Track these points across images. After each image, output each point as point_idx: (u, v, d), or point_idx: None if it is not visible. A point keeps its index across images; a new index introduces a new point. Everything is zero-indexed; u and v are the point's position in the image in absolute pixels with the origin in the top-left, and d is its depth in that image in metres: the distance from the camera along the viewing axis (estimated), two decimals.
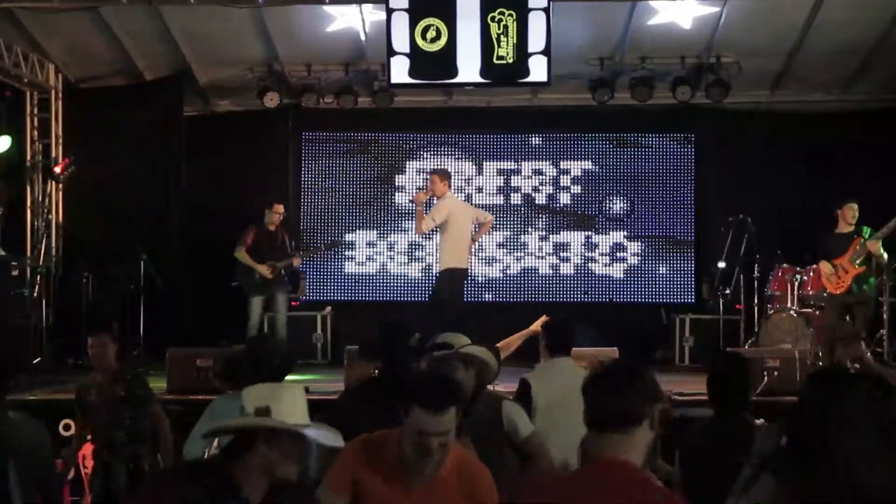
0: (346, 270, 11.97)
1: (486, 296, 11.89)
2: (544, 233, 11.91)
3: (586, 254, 11.87)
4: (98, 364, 6.38)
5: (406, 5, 9.21)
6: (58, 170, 10.78)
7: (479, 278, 11.91)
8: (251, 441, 2.76)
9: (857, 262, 8.81)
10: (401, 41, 9.31)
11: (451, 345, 4.54)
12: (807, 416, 2.95)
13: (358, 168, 12.04)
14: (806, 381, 3.25)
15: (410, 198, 9.50)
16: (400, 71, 9.61)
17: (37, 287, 10.39)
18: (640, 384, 2.53)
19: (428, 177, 9.84)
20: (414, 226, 9.65)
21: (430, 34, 9.39)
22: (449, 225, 9.21)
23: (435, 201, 9.34)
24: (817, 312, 9.55)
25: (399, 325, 5.14)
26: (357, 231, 11.92)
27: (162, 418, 6.33)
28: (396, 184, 12.01)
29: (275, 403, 2.78)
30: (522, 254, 11.91)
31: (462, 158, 12.01)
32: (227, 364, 5.55)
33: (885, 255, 8.82)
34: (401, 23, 9.25)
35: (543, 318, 5.98)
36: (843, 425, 2.83)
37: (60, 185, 11.09)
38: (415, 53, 9.31)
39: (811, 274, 9.49)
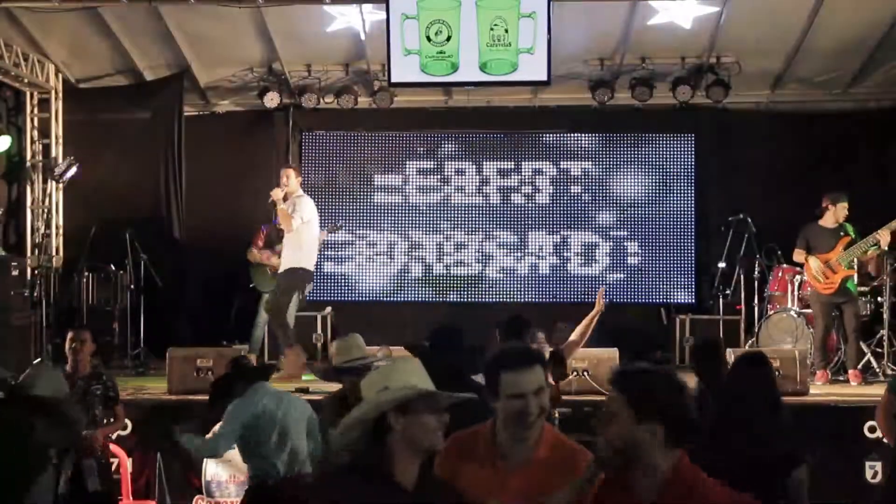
0: (346, 270, 11.97)
1: (486, 296, 11.87)
2: (544, 233, 11.90)
3: (586, 254, 11.86)
4: (73, 359, 6.45)
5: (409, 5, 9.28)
6: (59, 171, 10.77)
7: (480, 278, 11.92)
8: (384, 423, 2.78)
9: (846, 263, 8.81)
10: (405, 39, 9.38)
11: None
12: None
13: (358, 168, 12.04)
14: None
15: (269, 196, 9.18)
16: (401, 70, 9.65)
17: (37, 287, 10.38)
18: None
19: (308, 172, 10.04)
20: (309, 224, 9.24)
21: (434, 32, 9.44)
22: (311, 223, 9.17)
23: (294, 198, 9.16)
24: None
25: (453, 329, 5.52)
26: (357, 231, 11.91)
27: (122, 419, 6.56)
28: (396, 184, 12.01)
29: (390, 381, 2.80)
30: (522, 254, 11.90)
31: (462, 158, 12.01)
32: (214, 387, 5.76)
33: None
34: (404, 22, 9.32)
35: (601, 292, 7.18)
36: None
37: (60, 185, 11.09)
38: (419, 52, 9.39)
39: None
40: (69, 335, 6.60)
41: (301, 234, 9.04)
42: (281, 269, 9.21)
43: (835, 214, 8.90)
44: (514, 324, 6.08)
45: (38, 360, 4.24)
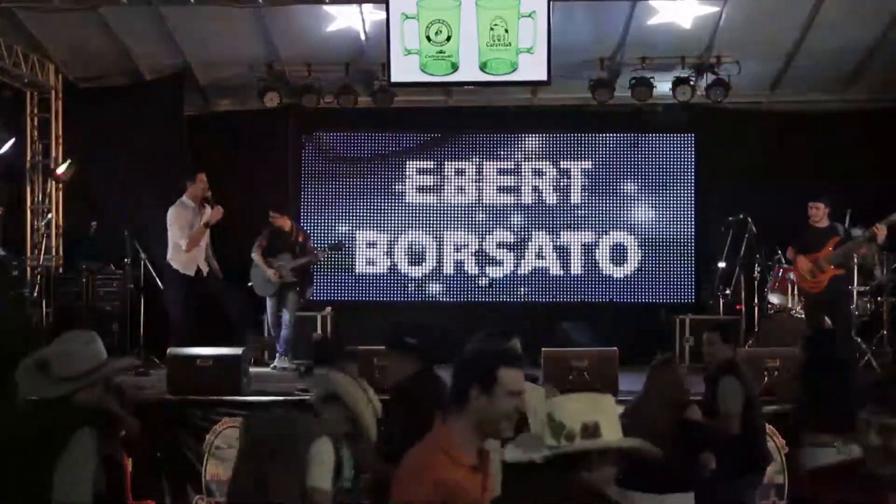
0: (346, 271, 11.96)
1: (486, 296, 11.87)
2: (544, 233, 11.90)
3: (586, 254, 11.86)
4: None
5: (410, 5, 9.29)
6: (59, 171, 10.77)
7: (479, 279, 11.92)
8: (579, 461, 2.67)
9: (835, 263, 8.82)
10: (405, 39, 9.39)
11: None
12: None
13: (358, 168, 12.04)
14: None
15: (208, 215, 9.28)
16: (401, 70, 9.65)
17: (37, 287, 10.39)
18: None
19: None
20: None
21: (434, 32, 9.44)
22: None
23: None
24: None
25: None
26: (357, 231, 11.92)
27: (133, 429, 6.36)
28: (396, 184, 12.00)
29: (602, 418, 2.66)
30: (522, 254, 11.90)
31: (462, 158, 12.01)
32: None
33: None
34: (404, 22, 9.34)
35: None
36: None
37: (60, 185, 11.09)
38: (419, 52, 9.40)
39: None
40: None
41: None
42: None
43: (810, 216, 8.98)
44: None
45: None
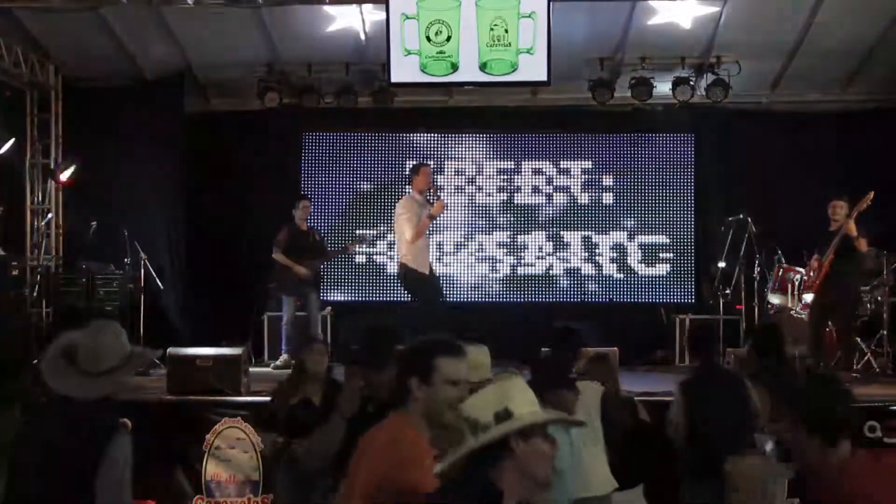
0: (346, 271, 11.96)
1: (485, 296, 11.88)
2: (544, 233, 11.90)
3: (586, 254, 11.86)
4: None
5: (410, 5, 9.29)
6: (63, 178, 10.76)
7: (479, 279, 11.92)
8: (503, 449, 2.60)
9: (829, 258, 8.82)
10: (405, 40, 9.39)
11: None
12: None
13: (358, 168, 12.04)
14: None
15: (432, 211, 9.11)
16: (401, 70, 9.65)
17: (37, 287, 10.39)
18: None
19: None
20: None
21: (434, 32, 9.44)
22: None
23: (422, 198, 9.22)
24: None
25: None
26: (356, 231, 11.90)
27: None
28: (396, 184, 12.00)
29: (511, 403, 2.61)
30: (522, 254, 11.90)
31: (462, 158, 12.01)
32: None
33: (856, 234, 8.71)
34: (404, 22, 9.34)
35: None
36: None
37: (60, 185, 11.08)
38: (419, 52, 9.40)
39: (811, 273, 9.48)
40: None
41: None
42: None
43: (830, 215, 8.96)
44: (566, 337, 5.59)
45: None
